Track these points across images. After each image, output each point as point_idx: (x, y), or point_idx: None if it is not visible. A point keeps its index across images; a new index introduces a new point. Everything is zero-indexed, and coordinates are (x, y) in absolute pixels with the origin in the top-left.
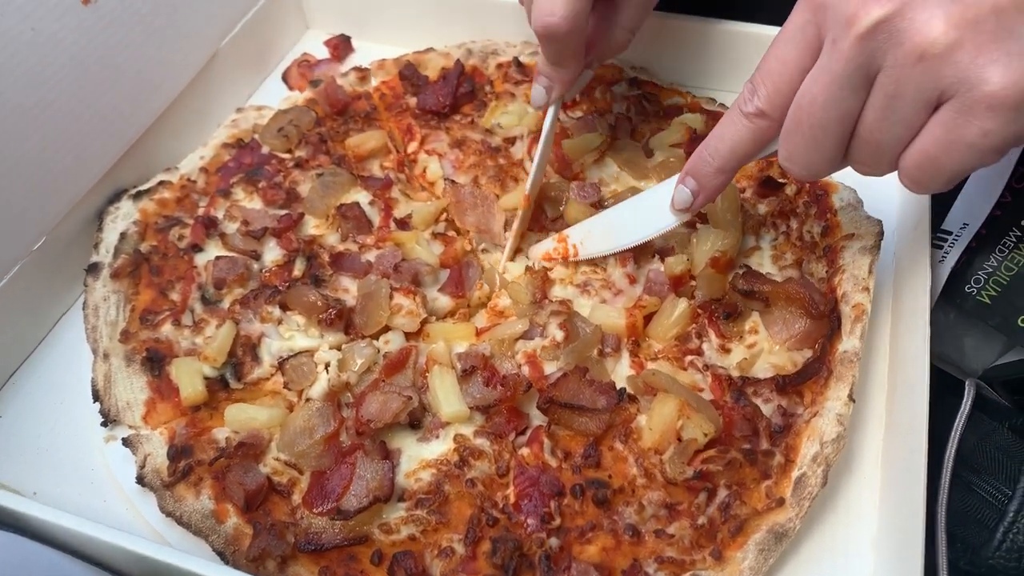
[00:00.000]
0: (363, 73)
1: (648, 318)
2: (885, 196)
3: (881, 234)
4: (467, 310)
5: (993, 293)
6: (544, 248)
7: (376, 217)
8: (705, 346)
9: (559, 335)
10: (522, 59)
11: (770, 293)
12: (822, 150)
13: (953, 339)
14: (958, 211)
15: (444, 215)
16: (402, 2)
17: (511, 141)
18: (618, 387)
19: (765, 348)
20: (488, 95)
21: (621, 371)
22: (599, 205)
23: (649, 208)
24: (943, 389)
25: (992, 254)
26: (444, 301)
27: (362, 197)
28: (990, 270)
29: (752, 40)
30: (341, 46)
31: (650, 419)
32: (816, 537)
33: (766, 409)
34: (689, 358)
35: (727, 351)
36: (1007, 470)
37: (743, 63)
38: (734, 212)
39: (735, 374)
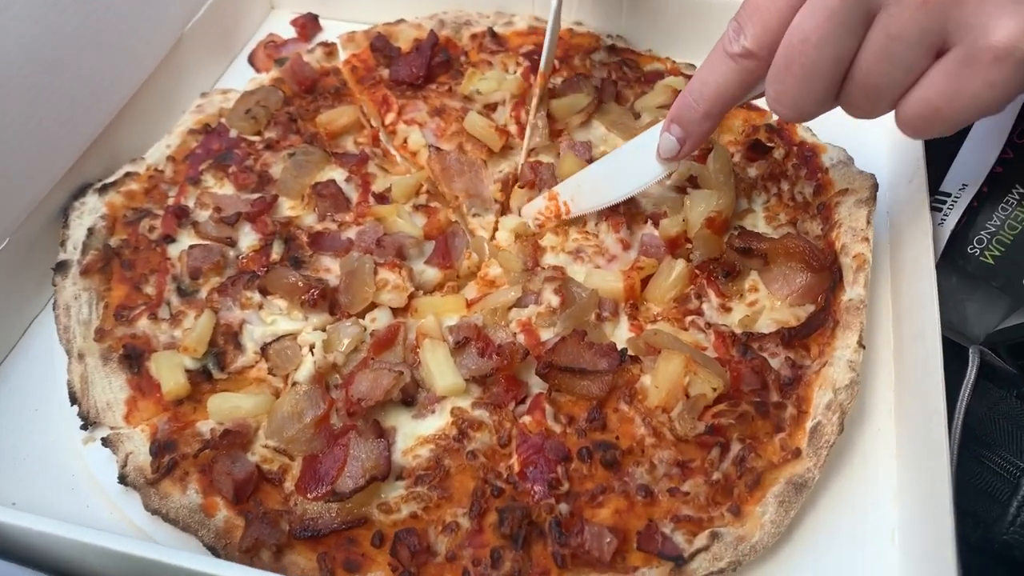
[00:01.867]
0: (330, 48)
1: (645, 281)
2: (873, 151)
3: (876, 186)
4: (456, 282)
5: (997, 253)
6: (536, 207)
7: (354, 194)
8: (705, 306)
9: (555, 300)
10: (496, 29)
11: (768, 250)
12: (813, 91)
13: (955, 305)
14: (956, 173)
15: (424, 187)
16: None
17: (492, 107)
18: (619, 349)
19: (767, 305)
20: (464, 65)
21: (620, 335)
22: (589, 162)
23: (636, 159)
24: (947, 357)
25: (995, 213)
26: (431, 273)
27: (337, 174)
28: (993, 229)
29: (730, 12)
30: (308, 25)
31: (655, 377)
32: (835, 488)
33: (774, 363)
34: (690, 318)
35: (728, 310)
36: (1018, 441)
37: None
38: (727, 173)
39: (738, 331)
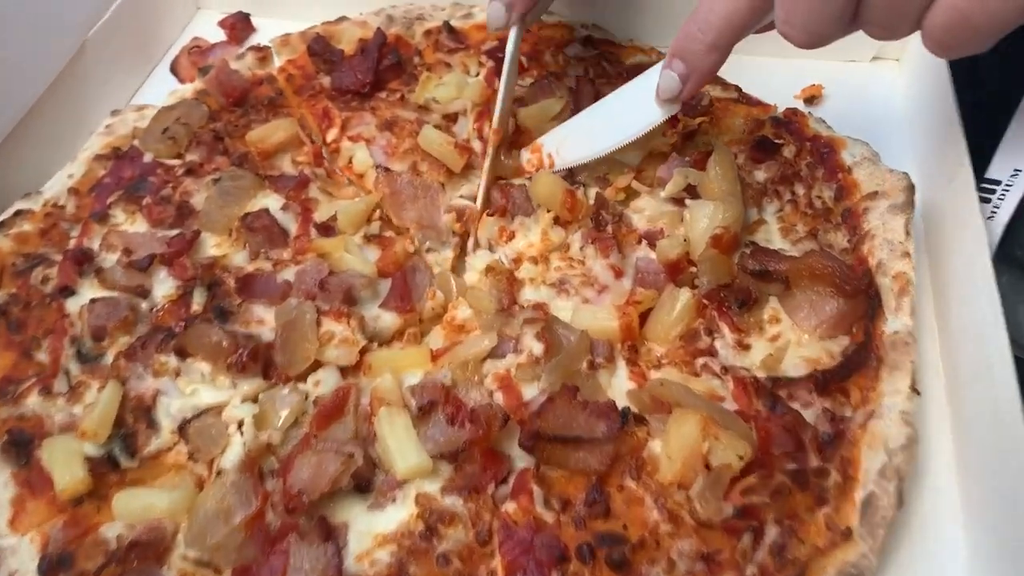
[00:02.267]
0: (263, 52)
1: (644, 316)
2: (897, 144)
3: (911, 188)
4: (418, 328)
5: None
6: (520, 160)
7: (292, 225)
8: (718, 344)
9: (537, 348)
10: (454, 23)
11: (789, 271)
12: (829, 8)
13: (1007, 308)
14: (1006, 155)
15: (377, 212)
16: None
17: (452, 118)
18: (619, 406)
19: (792, 339)
20: (417, 67)
21: (619, 385)
22: (569, 177)
23: (631, 103)
24: None
25: None
26: (388, 320)
27: (272, 202)
28: None
29: None
30: (239, 26)
31: (667, 444)
32: (892, 570)
33: (808, 415)
34: (701, 360)
35: (746, 348)
36: None
37: None
38: (731, 179)
39: (761, 375)
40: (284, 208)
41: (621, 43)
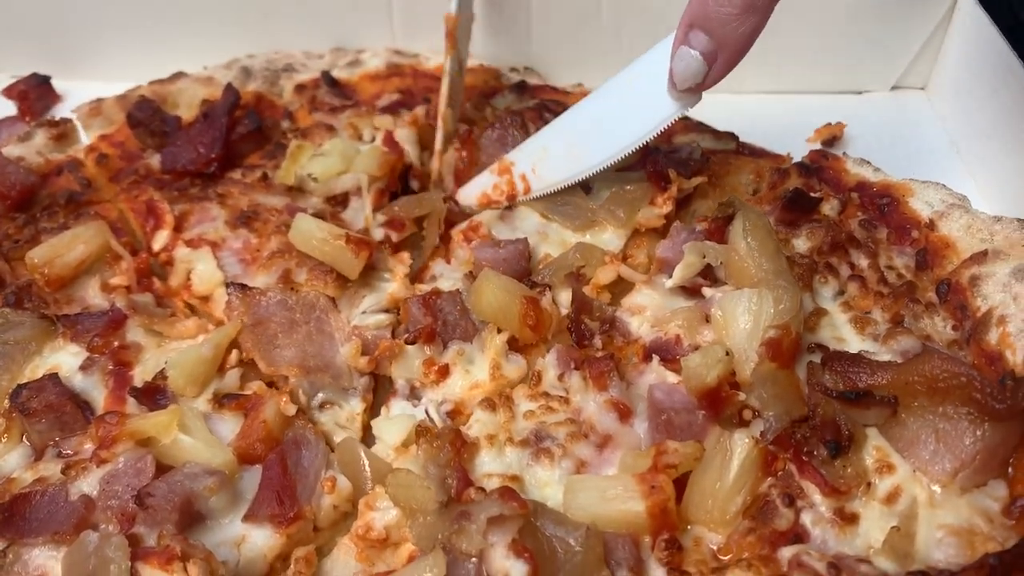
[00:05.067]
0: (61, 128)
1: (679, 484)
2: (958, 180)
3: None
4: (307, 548)
5: None
6: (479, 187)
7: (98, 394)
8: (807, 519)
9: (517, 571)
10: (336, 74)
11: (893, 387)
12: None
13: None
14: None
15: (234, 354)
16: (131, 8)
17: (339, 200)
18: None
19: (919, 496)
20: (287, 134)
21: None
22: (526, 277)
23: (634, 96)
24: None
25: None
26: (259, 542)
27: (67, 359)
28: None
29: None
30: (33, 94)
31: None
32: None
33: None
34: (788, 553)
35: (851, 520)
36: None
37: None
38: (772, 252)
39: (891, 569)
40: (86, 368)
41: (566, 89)
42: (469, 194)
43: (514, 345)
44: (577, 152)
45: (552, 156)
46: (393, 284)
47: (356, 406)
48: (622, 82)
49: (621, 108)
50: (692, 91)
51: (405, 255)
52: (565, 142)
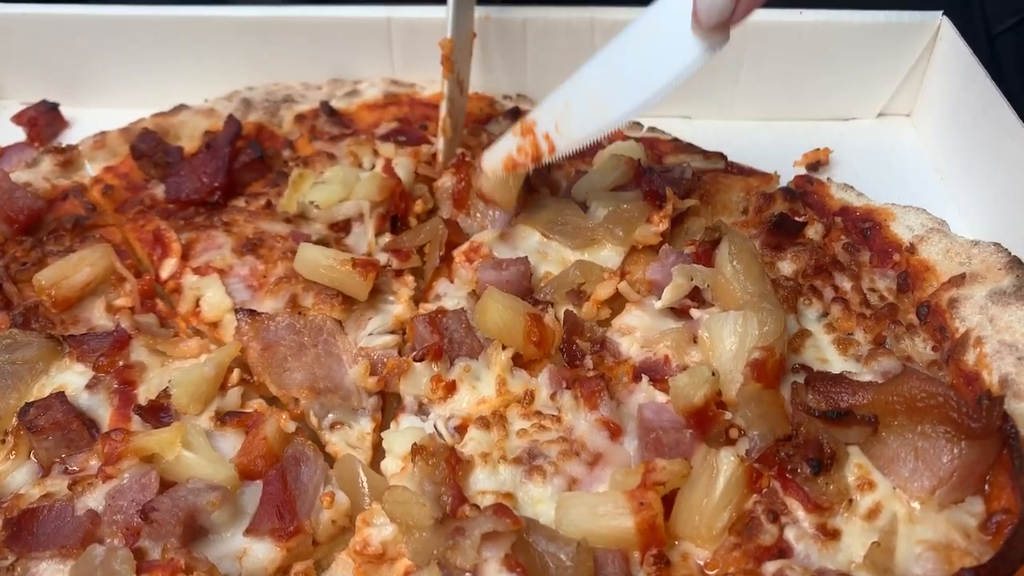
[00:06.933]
0: (67, 155)
1: (668, 501)
2: (939, 206)
3: (1017, 262)
4: (307, 567)
5: None
6: (503, 151)
7: (104, 412)
8: (791, 534)
9: None
10: (335, 104)
11: (874, 407)
12: None
13: None
14: None
15: (234, 372)
16: (136, 40)
17: (342, 227)
18: None
19: (899, 512)
20: (288, 163)
21: None
22: (528, 296)
23: (657, 40)
24: None
25: None
26: (260, 555)
27: (73, 378)
28: None
29: None
30: (43, 120)
31: None
32: None
33: None
34: (772, 568)
35: (833, 536)
36: None
37: None
38: (757, 276)
39: None
40: (91, 386)
41: None
42: (493, 159)
43: (518, 361)
44: (601, 104)
45: (575, 111)
46: (398, 306)
47: (366, 426)
48: (643, 26)
49: (644, 54)
50: (719, 29)
51: (409, 278)
52: (588, 95)
